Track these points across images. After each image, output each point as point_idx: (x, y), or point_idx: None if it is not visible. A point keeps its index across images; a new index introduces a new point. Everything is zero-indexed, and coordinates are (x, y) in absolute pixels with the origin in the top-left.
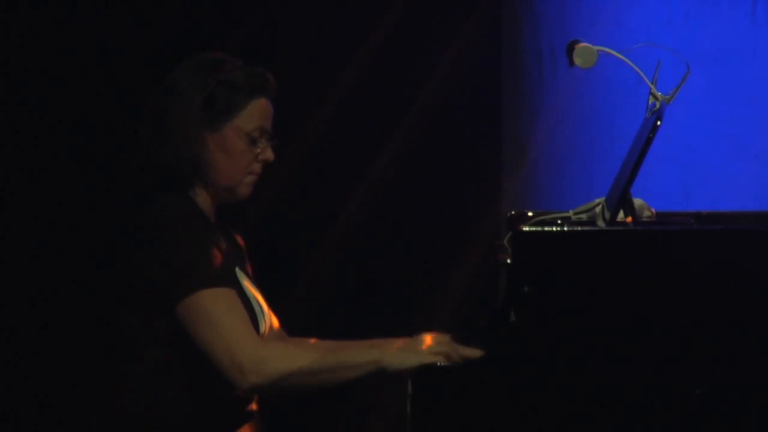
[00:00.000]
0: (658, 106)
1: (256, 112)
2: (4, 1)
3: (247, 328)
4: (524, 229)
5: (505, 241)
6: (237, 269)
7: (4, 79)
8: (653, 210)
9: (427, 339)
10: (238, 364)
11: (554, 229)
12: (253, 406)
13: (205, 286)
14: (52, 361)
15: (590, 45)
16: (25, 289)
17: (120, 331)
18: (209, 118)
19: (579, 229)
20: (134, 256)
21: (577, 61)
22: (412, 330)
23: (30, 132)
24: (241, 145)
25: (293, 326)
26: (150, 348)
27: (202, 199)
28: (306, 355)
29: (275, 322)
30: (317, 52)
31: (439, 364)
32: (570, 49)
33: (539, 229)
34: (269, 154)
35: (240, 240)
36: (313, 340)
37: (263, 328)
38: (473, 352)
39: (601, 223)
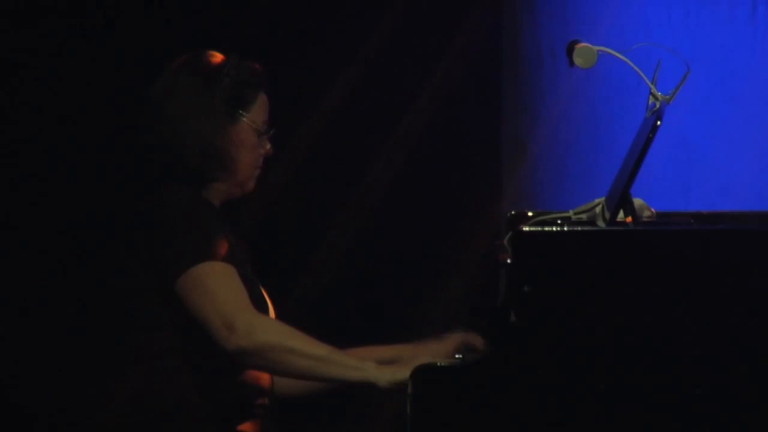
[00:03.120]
0: (658, 106)
1: (262, 106)
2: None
3: (244, 298)
4: (524, 229)
5: (505, 241)
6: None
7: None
8: (653, 210)
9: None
10: (229, 324)
11: (554, 229)
12: (265, 401)
13: (204, 260)
14: (63, 348)
15: (590, 45)
16: (35, 279)
17: (129, 317)
18: (229, 113)
19: (579, 229)
20: (139, 239)
21: (577, 61)
22: (412, 330)
23: (35, 127)
24: (253, 139)
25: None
26: (158, 333)
27: (214, 198)
28: (300, 337)
29: None
30: (317, 52)
31: (439, 364)
32: (570, 49)
33: (539, 229)
34: (270, 147)
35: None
36: None
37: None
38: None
39: (601, 223)
